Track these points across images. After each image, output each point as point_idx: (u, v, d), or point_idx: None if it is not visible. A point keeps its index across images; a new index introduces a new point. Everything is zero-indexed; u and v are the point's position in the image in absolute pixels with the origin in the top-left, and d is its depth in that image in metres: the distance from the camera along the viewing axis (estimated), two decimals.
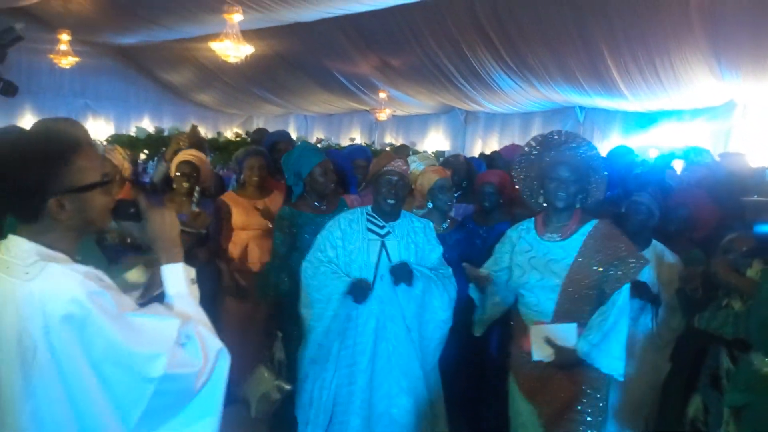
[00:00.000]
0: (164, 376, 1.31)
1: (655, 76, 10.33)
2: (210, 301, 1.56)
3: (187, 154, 3.85)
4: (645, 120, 11.92)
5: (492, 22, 10.65)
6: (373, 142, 12.06)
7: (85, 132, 2.28)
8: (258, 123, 22.42)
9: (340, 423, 2.58)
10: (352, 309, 2.56)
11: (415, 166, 3.74)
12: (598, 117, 12.74)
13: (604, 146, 12.69)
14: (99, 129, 17.67)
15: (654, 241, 2.92)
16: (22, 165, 1.30)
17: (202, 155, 3.89)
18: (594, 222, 2.32)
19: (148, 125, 19.36)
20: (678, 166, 5.53)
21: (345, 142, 17.59)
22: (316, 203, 3.14)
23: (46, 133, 1.44)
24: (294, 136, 20.65)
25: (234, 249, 3.82)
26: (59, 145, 1.35)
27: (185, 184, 3.71)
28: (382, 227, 2.61)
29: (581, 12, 9.57)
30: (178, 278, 1.49)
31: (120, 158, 3.62)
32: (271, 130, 19.73)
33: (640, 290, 2.72)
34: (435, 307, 2.66)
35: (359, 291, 2.51)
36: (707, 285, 2.68)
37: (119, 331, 1.28)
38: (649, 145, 11.83)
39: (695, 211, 3.08)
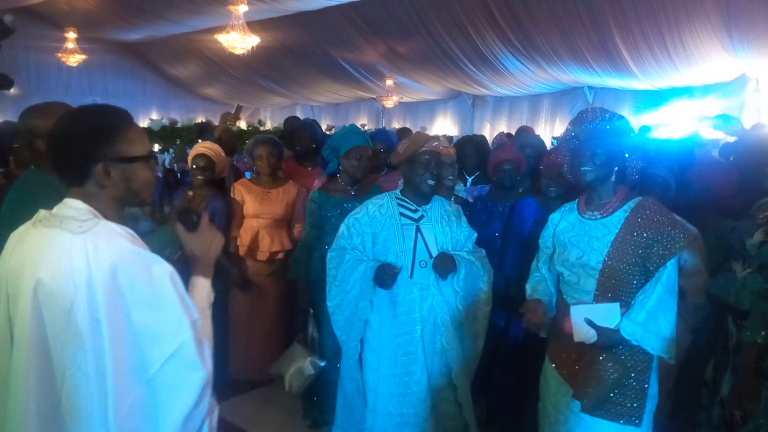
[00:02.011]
0: (184, 345, 1.40)
1: (666, 54, 10.22)
2: (218, 293, 1.68)
3: (203, 147, 3.89)
4: (655, 98, 11.81)
5: (499, 4, 10.57)
6: (383, 128, 12.04)
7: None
8: (265, 115, 22.42)
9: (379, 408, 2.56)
10: (394, 297, 2.52)
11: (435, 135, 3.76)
12: (607, 97, 12.63)
13: None
14: None
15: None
16: (80, 131, 1.41)
17: (217, 148, 3.91)
18: (638, 199, 2.25)
19: (154, 118, 19.53)
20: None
21: None
22: (348, 187, 3.14)
23: (103, 106, 1.51)
24: None
25: (245, 236, 3.86)
26: (115, 117, 1.46)
27: (200, 177, 3.77)
28: (414, 211, 2.55)
29: None
30: (204, 292, 1.61)
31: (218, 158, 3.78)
32: (277, 120, 19.76)
33: None
34: (479, 289, 2.66)
35: (385, 276, 2.47)
36: (720, 251, 2.68)
37: (154, 289, 1.38)
38: (659, 123, 11.76)
39: (712, 184, 3.05)
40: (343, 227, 2.63)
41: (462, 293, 2.60)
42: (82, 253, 1.33)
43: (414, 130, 15.05)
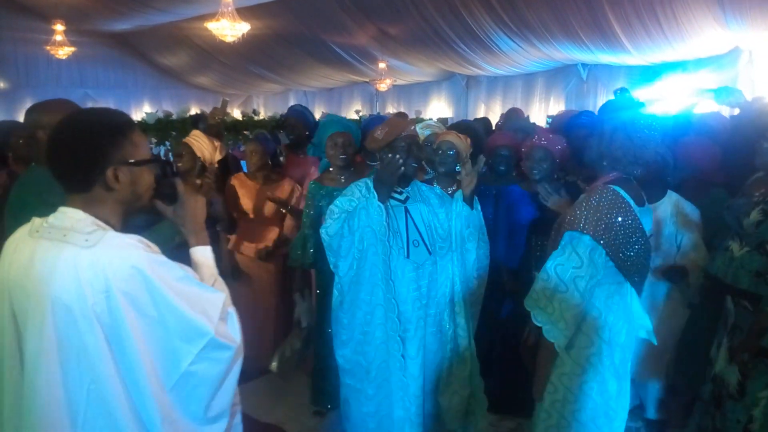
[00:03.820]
0: (210, 341, 1.41)
1: (658, 28, 10.18)
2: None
3: (188, 138, 3.93)
4: (649, 73, 11.78)
5: None
6: (378, 113, 11.99)
7: None
8: (258, 102, 22.31)
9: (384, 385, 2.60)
10: (391, 277, 2.55)
11: (421, 132, 3.75)
12: (601, 73, 12.60)
13: None
14: None
15: (669, 192, 2.88)
16: (90, 134, 1.40)
17: (202, 136, 3.91)
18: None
19: (148, 110, 19.38)
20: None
21: (348, 115, 17.58)
22: (339, 176, 3.18)
23: (108, 109, 1.51)
24: None
25: (240, 233, 3.87)
26: (121, 120, 1.46)
27: (181, 164, 3.79)
28: (400, 193, 2.61)
29: None
30: (208, 259, 1.59)
31: (200, 146, 3.75)
32: (271, 108, 19.65)
33: (670, 274, 2.70)
34: (473, 260, 2.73)
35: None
36: (720, 230, 2.70)
37: (175, 296, 1.37)
38: (654, 98, 11.75)
39: (697, 161, 3.05)
40: (332, 207, 2.61)
41: (460, 273, 2.66)
42: (95, 268, 1.31)
43: (409, 114, 15.05)
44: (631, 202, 2.15)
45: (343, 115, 17.32)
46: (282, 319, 4.00)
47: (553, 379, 2.28)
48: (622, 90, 6.36)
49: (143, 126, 5.29)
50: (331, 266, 2.62)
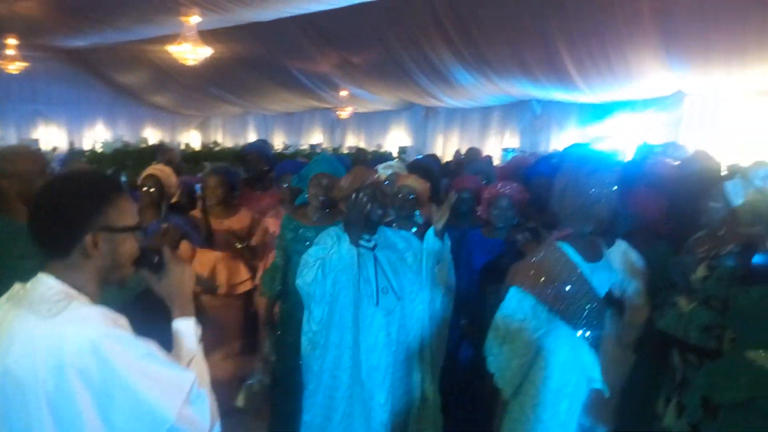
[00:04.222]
0: (171, 429, 1.30)
1: (609, 69, 10.68)
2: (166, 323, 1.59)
3: (153, 168, 3.84)
4: (600, 111, 12.31)
5: (451, 18, 10.81)
6: (339, 147, 11.91)
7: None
8: (216, 124, 22.12)
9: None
10: (360, 325, 2.57)
11: (382, 172, 3.82)
12: (554, 110, 13.07)
13: (561, 138, 13.07)
14: (51, 135, 17.14)
15: (618, 240, 2.94)
16: (72, 199, 1.35)
17: (166, 169, 3.85)
18: None
19: (102, 130, 18.91)
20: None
21: (307, 142, 17.58)
22: (311, 213, 3.18)
23: (95, 174, 1.50)
24: (253, 136, 20.59)
25: (201, 270, 3.75)
26: (106, 185, 1.42)
27: (149, 197, 3.69)
28: (368, 240, 2.64)
29: (538, 7, 9.81)
30: (191, 333, 1.50)
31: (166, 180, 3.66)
32: (229, 130, 19.50)
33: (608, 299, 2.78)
34: (441, 308, 2.77)
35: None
36: (666, 284, 2.80)
37: (133, 376, 1.27)
38: (604, 135, 12.26)
39: (644, 212, 3.12)
40: (306, 257, 2.61)
41: (429, 317, 2.70)
42: (51, 341, 1.24)
43: (370, 145, 15.16)
44: (578, 260, 2.22)
45: (301, 141, 17.38)
46: (246, 355, 3.92)
47: (504, 425, 2.34)
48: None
49: (99, 157, 5.13)
50: (306, 314, 2.62)
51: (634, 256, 2.89)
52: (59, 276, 1.34)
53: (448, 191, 3.72)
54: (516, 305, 2.24)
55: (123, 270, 1.43)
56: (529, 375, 2.28)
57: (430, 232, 2.76)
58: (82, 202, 1.35)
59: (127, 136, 17.27)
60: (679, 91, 11.06)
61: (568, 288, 2.22)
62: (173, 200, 3.89)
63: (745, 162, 8.61)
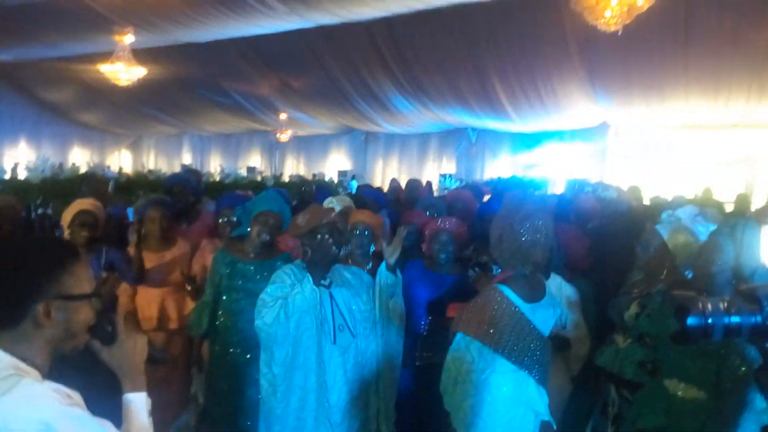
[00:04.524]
0: None
1: (539, 100, 11.21)
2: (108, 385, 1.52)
3: (85, 203, 3.62)
4: (531, 140, 12.86)
5: (390, 48, 11.05)
6: (280, 174, 11.77)
7: None
8: (148, 144, 21.48)
9: None
10: (320, 365, 2.57)
11: (332, 206, 3.83)
12: (488, 138, 13.54)
13: (495, 165, 13.53)
14: None
15: (553, 275, 3.08)
16: (23, 264, 1.27)
17: (98, 204, 3.67)
18: None
19: (24, 148, 17.95)
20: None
21: (244, 164, 17.36)
22: (249, 249, 3.11)
23: (49, 239, 1.39)
24: (188, 157, 20.10)
25: (149, 308, 3.57)
26: (62, 250, 1.35)
27: (83, 234, 3.48)
28: (324, 278, 2.65)
29: (473, 40, 10.20)
30: (141, 409, 1.43)
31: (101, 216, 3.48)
32: (163, 151, 18.94)
33: (554, 341, 2.90)
34: (393, 342, 2.81)
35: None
36: (603, 322, 2.94)
37: None
38: (535, 163, 12.80)
39: (566, 248, 3.27)
40: (265, 297, 2.59)
41: (383, 352, 2.74)
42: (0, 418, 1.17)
43: (309, 170, 15.09)
44: (519, 302, 2.32)
45: (240, 163, 17.14)
46: (177, 393, 3.77)
47: None
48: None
49: (25, 187, 4.80)
50: (265, 357, 2.59)
51: (569, 290, 3.02)
52: (7, 347, 1.26)
53: (394, 225, 3.77)
54: (464, 349, 2.31)
55: (76, 339, 1.35)
56: (480, 411, 2.34)
57: (383, 267, 2.79)
58: (35, 269, 1.28)
59: (53, 155, 16.48)
60: (604, 122, 11.72)
61: (510, 330, 2.29)
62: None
63: (666, 193, 9.22)
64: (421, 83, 11.68)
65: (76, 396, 1.28)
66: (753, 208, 7.23)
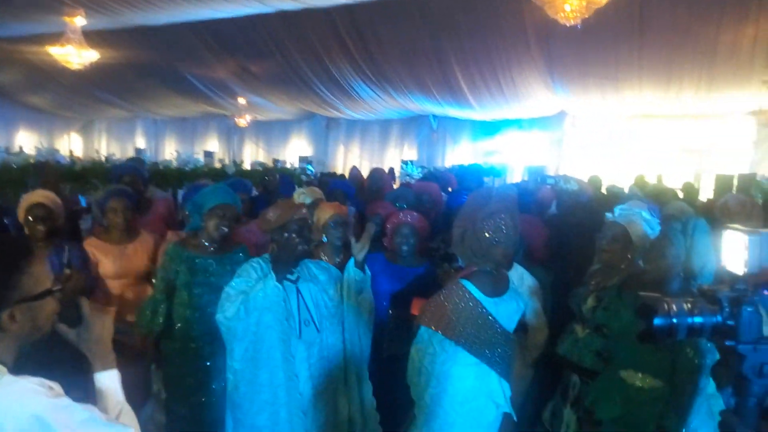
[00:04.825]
0: None
1: (499, 89, 11.35)
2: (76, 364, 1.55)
3: (39, 196, 3.50)
4: (490, 128, 13.04)
5: (351, 34, 10.97)
6: (240, 163, 11.50)
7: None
8: (100, 128, 20.74)
9: None
10: (286, 360, 2.58)
11: (302, 198, 3.82)
12: (449, 125, 13.65)
13: (455, 151, 13.68)
14: None
15: (515, 264, 3.17)
16: None
17: (51, 194, 3.56)
18: None
19: None
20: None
21: (201, 149, 16.98)
22: (206, 243, 3.07)
23: (2, 238, 1.36)
24: (142, 141, 19.53)
25: (109, 300, 3.52)
26: (15, 252, 1.35)
27: (40, 228, 3.38)
28: (291, 273, 2.65)
29: (435, 29, 10.22)
30: (115, 385, 1.47)
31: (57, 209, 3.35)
32: (115, 134, 18.28)
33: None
34: (361, 336, 2.85)
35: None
36: (563, 311, 3.06)
37: None
38: (494, 150, 13.01)
39: (526, 236, 3.38)
40: (229, 290, 2.57)
41: (350, 347, 2.78)
42: None
43: (267, 152, 14.80)
44: (481, 296, 2.35)
45: (197, 148, 16.75)
46: (136, 385, 3.73)
47: None
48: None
49: None
50: (227, 351, 2.58)
51: (530, 280, 3.12)
52: None
53: (357, 215, 3.79)
54: (426, 341, 2.36)
55: (42, 331, 1.38)
56: (441, 401, 2.40)
57: (351, 263, 2.81)
58: None
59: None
60: (562, 111, 11.98)
61: (471, 324, 2.35)
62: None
63: (621, 181, 9.52)
64: (383, 70, 11.66)
65: (57, 387, 1.30)
66: (701, 195, 7.57)
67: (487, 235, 2.30)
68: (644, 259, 2.63)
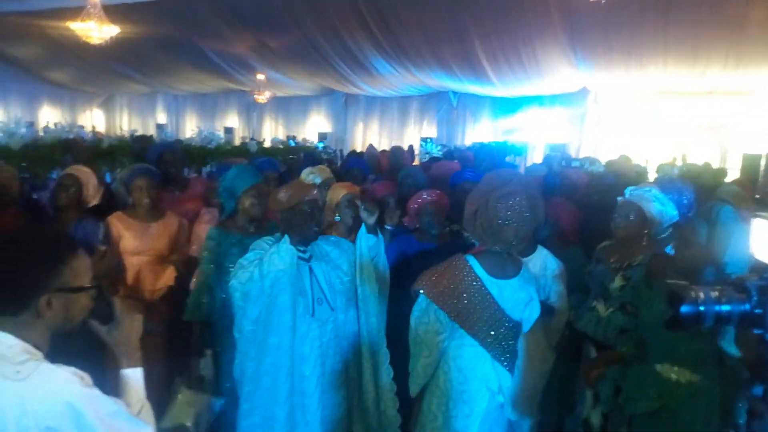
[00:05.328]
0: None
1: (520, 64, 11.18)
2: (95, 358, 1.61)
3: (73, 168, 3.63)
4: (511, 105, 12.87)
5: (370, 9, 10.84)
6: (262, 141, 11.50)
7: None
8: (121, 103, 20.90)
9: None
10: (297, 337, 2.60)
11: (311, 177, 3.84)
12: (469, 102, 13.51)
13: (476, 129, 13.56)
14: None
15: (539, 247, 3.12)
16: (26, 261, 1.33)
17: (85, 169, 3.65)
18: None
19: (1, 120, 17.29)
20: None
21: (221, 125, 17.05)
22: (246, 224, 3.13)
23: (48, 233, 1.42)
24: (163, 116, 19.65)
25: (126, 276, 3.51)
26: (60, 246, 1.40)
27: (66, 198, 3.50)
28: (304, 251, 2.68)
29: (455, 2, 10.05)
30: (140, 383, 1.53)
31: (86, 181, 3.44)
32: (136, 110, 18.43)
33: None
34: (375, 309, 2.83)
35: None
36: (582, 287, 3.05)
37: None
38: (515, 128, 12.87)
39: (557, 218, 3.37)
40: (243, 261, 2.61)
41: (365, 324, 2.79)
42: (24, 405, 1.26)
43: (286, 129, 14.81)
44: (483, 274, 2.32)
45: (217, 124, 16.81)
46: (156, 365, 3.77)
47: (417, 421, 2.49)
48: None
49: (6, 152, 4.68)
50: (237, 315, 2.61)
51: (554, 262, 3.12)
52: (16, 333, 1.33)
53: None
54: (424, 309, 2.36)
55: (73, 324, 1.44)
56: (435, 376, 2.41)
57: (362, 229, 2.82)
58: (36, 264, 1.34)
59: (22, 113, 15.94)
60: (584, 88, 11.78)
61: (468, 299, 2.32)
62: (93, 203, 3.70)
63: (643, 159, 9.37)
64: (403, 45, 11.53)
65: (87, 377, 1.36)
66: (728, 175, 7.40)
67: (499, 214, 2.27)
68: (673, 246, 2.60)
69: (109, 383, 1.50)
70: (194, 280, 3.19)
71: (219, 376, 3.11)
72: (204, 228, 3.52)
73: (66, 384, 1.30)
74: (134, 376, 1.52)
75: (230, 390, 2.91)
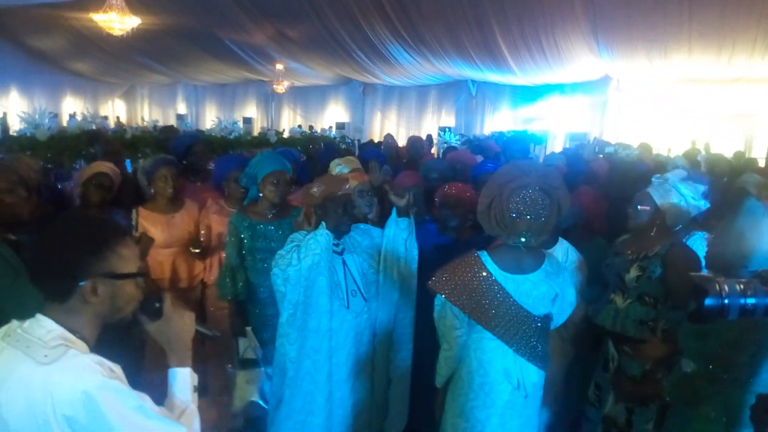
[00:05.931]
0: None
1: (541, 52, 11.04)
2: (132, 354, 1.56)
3: (104, 166, 3.66)
4: (531, 93, 12.73)
5: None
6: (281, 131, 11.53)
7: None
8: (142, 93, 21.14)
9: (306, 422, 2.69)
10: (331, 328, 2.65)
11: (339, 169, 3.85)
12: (488, 90, 13.39)
13: (495, 118, 13.45)
14: None
15: (560, 239, 3.06)
16: (72, 244, 1.33)
17: (111, 165, 3.70)
18: None
19: (16, 98, 17.61)
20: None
21: (240, 114, 17.15)
22: (266, 210, 3.17)
23: (95, 218, 1.42)
24: (183, 107, 19.81)
25: (160, 269, 3.57)
26: (107, 230, 1.39)
27: (98, 195, 3.53)
28: (337, 245, 2.71)
29: None
30: (186, 384, 1.49)
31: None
32: (156, 100, 18.58)
33: None
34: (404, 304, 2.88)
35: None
36: (600, 280, 3.03)
37: (122, 427, 1.28)
38: (535, 117, 12.74)
39: (584, 209, 3.32)
40: (283, 252, 2.66)
41: (396, 313, 2.83)
42: (45, 390, 1.24)
43: (304, 118, 14.84)
44: (495, 269, 2.28)
45: (236, 114, 16.92)
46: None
47: (445, 416, 2.51)
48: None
49: (33, 143, 4.76)
50: (279, 301, 2.66)
51: (575, 255, 3.09)
52: (57, 319, 1.33)
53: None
54: (441, 307, 2.37)
55: (122, 313, 1.42)
56: (458, 368, 2.43)
57: (393, 213, 2.83)
58: (83, 248, 1.33)
59: (46, 104, 16.18)
60: (606, 75, 11.61)
61: (482, 295, 2.30)
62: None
63: (666, 148, 9.23)
64: (421, 34, 11.45)
65: (118, 369, 1.34)
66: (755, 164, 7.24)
67: (512, 207, 2.23)
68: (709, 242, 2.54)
69: (150, 381, 1.48)
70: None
71: (265, 347, 3.14)
72: (214, 219, 3.60)
73: (85, 372, 1.27)
74: (181, 377, 1.49)
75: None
